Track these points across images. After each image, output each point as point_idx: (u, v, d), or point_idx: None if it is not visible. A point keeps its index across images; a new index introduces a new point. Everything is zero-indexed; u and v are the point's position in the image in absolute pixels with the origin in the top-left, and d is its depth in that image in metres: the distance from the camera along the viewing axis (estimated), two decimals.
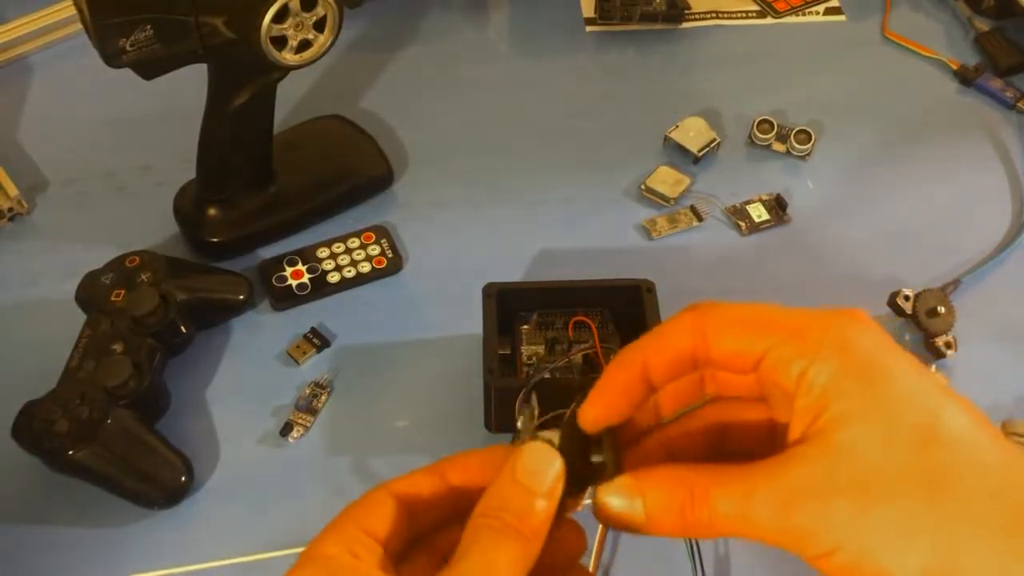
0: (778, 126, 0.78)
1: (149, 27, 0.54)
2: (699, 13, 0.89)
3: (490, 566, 0.29)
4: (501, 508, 0.30)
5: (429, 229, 0.73)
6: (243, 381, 0.65)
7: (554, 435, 0.33)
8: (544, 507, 0.31)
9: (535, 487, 0.31)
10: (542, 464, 0.31)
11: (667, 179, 0.75)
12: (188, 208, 0.70)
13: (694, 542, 0.56)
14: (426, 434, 0.62)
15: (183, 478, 0.58)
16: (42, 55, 0.84)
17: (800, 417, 0.29)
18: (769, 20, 0.90)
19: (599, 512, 0.31)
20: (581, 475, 0.32)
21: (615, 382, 0.33)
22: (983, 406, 0.28)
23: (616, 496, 0.31)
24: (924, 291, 0.67)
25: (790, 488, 0.28)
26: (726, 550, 0.57)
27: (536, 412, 0.42)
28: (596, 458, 0.32)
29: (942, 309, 0.66)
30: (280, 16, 0.57)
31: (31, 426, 0.56)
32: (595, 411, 0.33)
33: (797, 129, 0.78)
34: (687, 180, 0.75)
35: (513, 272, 0.70)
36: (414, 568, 0.33)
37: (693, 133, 0.77)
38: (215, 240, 0.70)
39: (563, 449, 0.32)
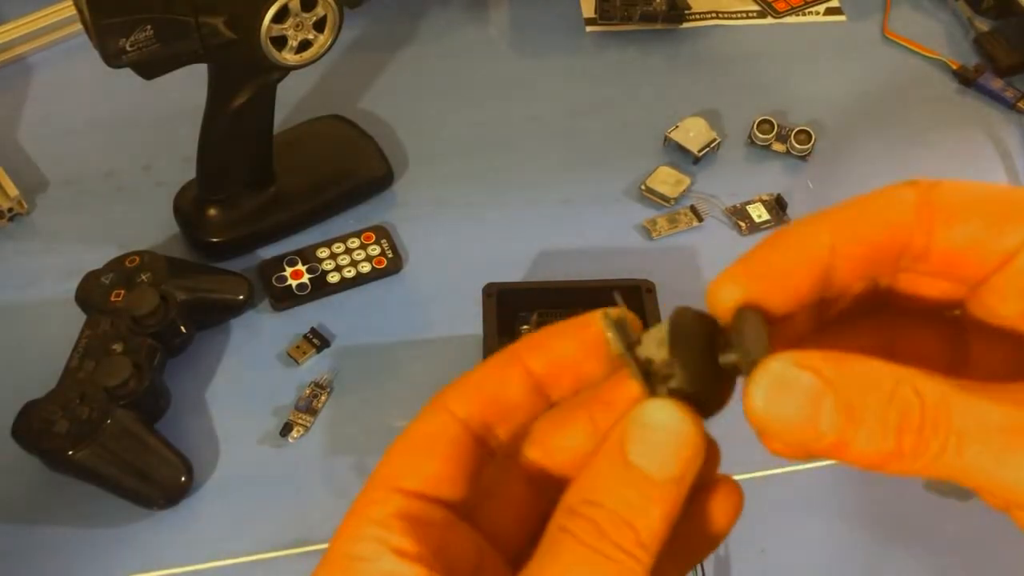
0: (778, 126, 0.78)
1: (149, 27, 0.54)
2: (699, 13, 0.89)
3: None
4: (597, 502, 0.21)
5: (429, 229, 0.73)
6: (243, 381, 0.65)
7: (674, 371, 0.22)
8: (663, 500, 0.21)
9: (658, 472, 0.21)
10: (671, 434, 0.21)
11: (667, 179, 0.75)
12: (188, 208, 0.70)
13: None
14: None
15: (183, 478, 0.58)
16: (42, 55, 0.84)
17: None
18: (769, 20, 0.90)
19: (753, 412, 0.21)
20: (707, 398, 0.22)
21: (783, 259, 0.23)
22: None
23: (784, 390, 0.20)
24: None
25: None
26: (726, 551, 0.57)
27: (628, 324, 0.24)
28: (729, 357, 0.22)
29: None
30: (280, 16, 0.57)
31: (31, 426, 0.56)
32: (740, 288, 0.22)
33: (797, 129, 0.78)
34: (687, 180, 0.75)
35: (513, 272, 0.70)
36: (498, 504, 0.25)
37: (693, 133, 0.77)
38: (215, 240, 0.70)
39: (690, 373, 0.22)
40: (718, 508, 0.24)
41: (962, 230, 0.22)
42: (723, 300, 0.23)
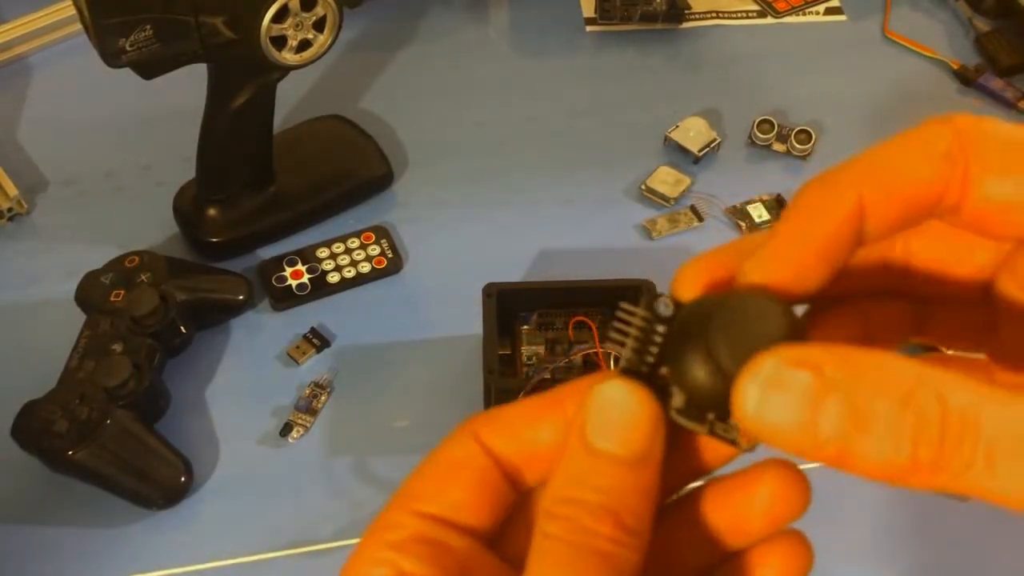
0: (778, 126, 0.78)
1: (149, 27, 0.54)
2: (699, 13, 0.89)
3: None
4: (572, 498, 0.20)
5: (429, 229, 0.73)
6: (243, 381, 0.65)
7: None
8: (639, 479, 0.20)
9: (623, 450, 0.20)
10: (619, 411, 0.20)
11: (667, 179, 0.75)
12: (188, 208, 0.70)
13: None
14: (426, 434, 0.62)
15: (183, 478, 0.58)
16: (42, 55, 0.84)
17: None
18: (769, 20, 0.90)
19: (752, 421, 0.19)
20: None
21: (811, 226, 0.20)
22: None
23: (777, 391, 0.18)
24: None
25: None
26: None
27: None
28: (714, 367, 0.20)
29: None
30: (280, 16, 0.57)
31: (31, 426, 0.56)
32: (773, 273, 0.20)
33: (797, 129, 0.78)
34: (687, 180, 0.75)
35: (513, 272, 0.70)
36: (526, 532, 0.22)
37: (693, 133, 0.77)
38: (215, 240, 0.70)
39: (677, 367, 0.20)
40: (782, 566, 0.22)
41: (1000, 185, 0.19)
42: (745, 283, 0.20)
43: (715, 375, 0.20)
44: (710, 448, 0.22)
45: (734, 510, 0.22)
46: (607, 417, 0.20)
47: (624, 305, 0.21)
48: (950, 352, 0.24)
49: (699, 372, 0.20)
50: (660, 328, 0.21)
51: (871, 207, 0.20)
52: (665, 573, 0.22)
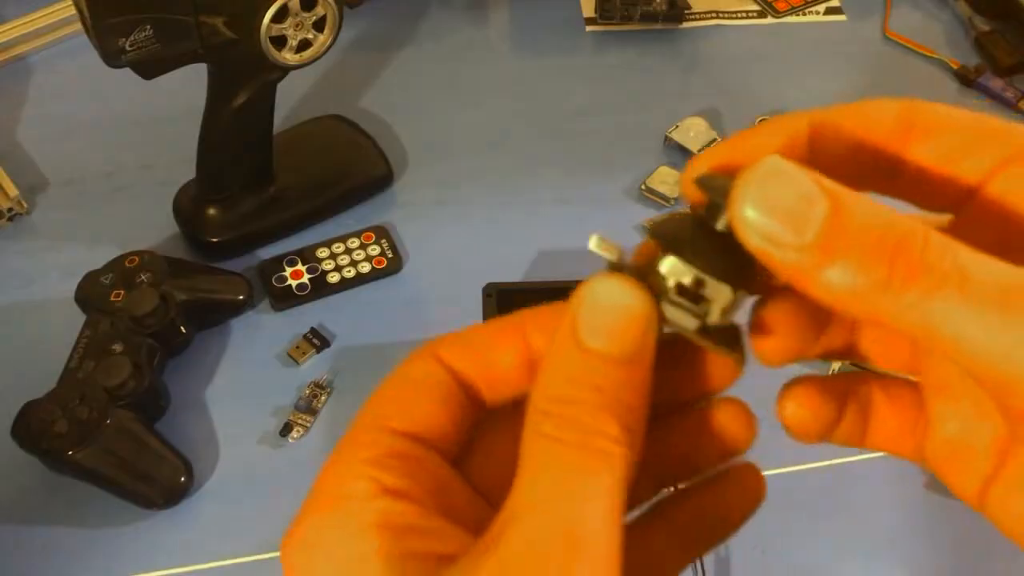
0: None
1: (149, 27, 0.54)
2: (699, 13, 0.89)
3: (562, 519, 0.19)
4: (568, 397, 0.20)
5: (429, 229, 0.73)
6: (243, 381, 0.65)
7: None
8: (634, 378, 0.20)
9: (617, 349, 0.20)
10: (612, 307, 0.20)
11: (667, 179, 0.75)
12: (188, 208, 0.70)
13: None
14: None
15: (183, 478, 0.58)
16: (42, 55, 0.84)
17: None
18: (769, 20, 0.90)
19: (743, 227, 0.19)
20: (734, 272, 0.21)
21: (757, 139, 0.22)
22: None
23: (779, 179, 0.19)
24: None
25: None
26: (726, 551, 0.57)
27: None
28: (722, 219, 0.21)
29: None
30: (280, 16, 0.57)
31: (31, 426, 0.56)
32: (729, 149, 0.22)
33: None
34: None
35: (513, 272, 0.70)
36: (490, 461, 0.23)
37: (693, 133, 0.77)
38: (215, 240, 0.70)
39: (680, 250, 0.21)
40: (738, 493, 0.24)
41: (938, 144, 0.22)
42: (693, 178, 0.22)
43: (703, 222, 0.21)
44: (701, 375, 0.23)
45: (693, 432, 0.24)
46: (599, 314, 0.20)
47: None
48: (882, 371, 0.25)
49: (685, 226, 0.21)
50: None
51: (822, 144, 0.22)
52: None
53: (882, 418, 0.25)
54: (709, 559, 0.57)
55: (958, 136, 0.22)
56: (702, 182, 0.22)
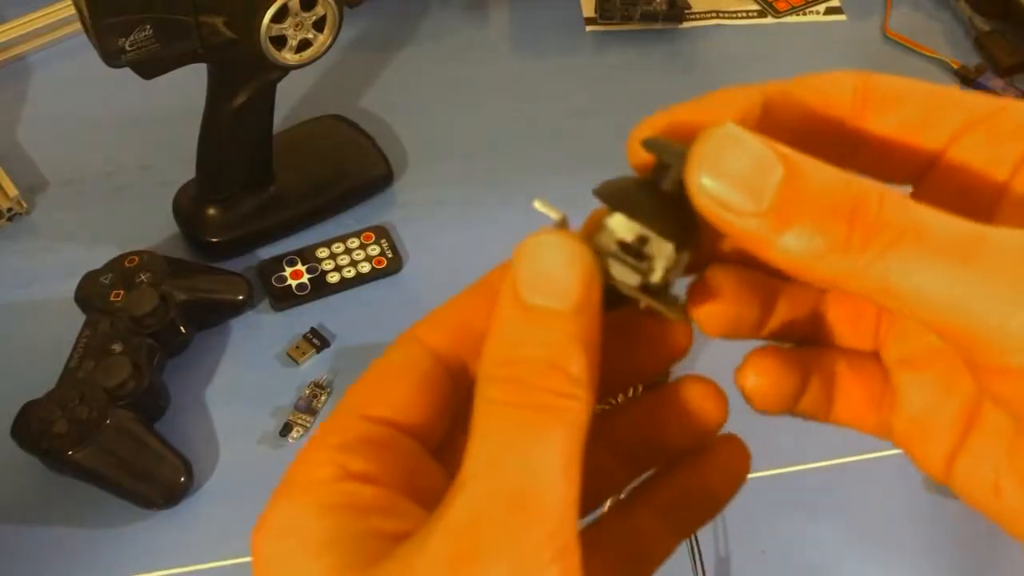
0: None
1: (149, 27, 0.54)
2: (699, 13, 0.89)
3: (507, 480, 0.18)
4: (512, 358, 0.19)
5: (429, 229, 0.73)
6: (243, 381, 0.65)
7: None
8: (580, 331, 0.19)
9: (560, 303, 0.20)
10: (550, 260, 0.20)
11: None
12: (188, 208, 0.70)
13: (694, 540, 0.56)
14: None
15: (182, 478, 0.58)
16: (42, 55, 0.84)
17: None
18: (769, 20, 0.90)
19: (700, 197, 0.19)
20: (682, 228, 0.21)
21: (708, 106, 0.22)
22: None
23: (733, 145, 0.19)
24: None
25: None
26: (727, 551, 0.57)
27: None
28: (668, 178, 0.21)
29: None
30: (280, 16, 0.57)
31: (30, 426, 0.56)
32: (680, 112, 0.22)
33: None
34: None
35: None
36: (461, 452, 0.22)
37: None
38: (215, 240, 0.70)
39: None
40: (721, 467, 0.24)
41: (896, 115, 0.22)
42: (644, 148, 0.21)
43: (649, 183, 0.21)
44: (654, 345, 0.24)
45: (664, 408, 0.24)
46: (538, 270, 0.20)
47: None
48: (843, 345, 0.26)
49: (631, 186, 0.21)
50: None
51: (775, 113, 0.22)
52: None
53: (847, 392, 0.25)
54: (709, 559, 0.57)
55: (916, 106, 0.22)
56: (649, 144, 0.22)
